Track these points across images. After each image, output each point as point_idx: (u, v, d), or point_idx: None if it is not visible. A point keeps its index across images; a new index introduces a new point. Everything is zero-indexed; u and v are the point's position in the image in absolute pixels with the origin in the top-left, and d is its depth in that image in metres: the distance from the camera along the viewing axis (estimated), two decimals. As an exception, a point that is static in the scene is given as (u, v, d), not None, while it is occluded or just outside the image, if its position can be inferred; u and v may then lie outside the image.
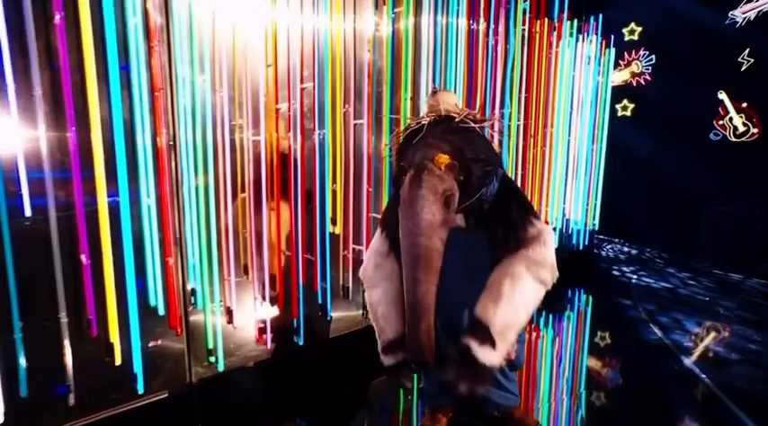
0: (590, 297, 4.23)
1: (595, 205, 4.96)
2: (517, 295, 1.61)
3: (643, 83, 6.14)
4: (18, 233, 1.82)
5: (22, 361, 1.91)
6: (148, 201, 2.13)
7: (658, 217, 5.86)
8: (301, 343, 2.74)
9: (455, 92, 3.25)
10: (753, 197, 5.12)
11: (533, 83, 4.05)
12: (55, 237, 1.91)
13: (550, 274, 1.68)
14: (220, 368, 2.47)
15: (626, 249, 5.76)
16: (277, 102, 2.50)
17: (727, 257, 5.05)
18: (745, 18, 5.34)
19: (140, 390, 2.21)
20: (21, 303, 1.86)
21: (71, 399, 2.04)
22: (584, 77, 4.56)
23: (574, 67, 4.41)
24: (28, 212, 1.84)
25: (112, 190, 2.02)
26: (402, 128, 1.84)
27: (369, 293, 1.87)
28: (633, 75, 6.16)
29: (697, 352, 2.99)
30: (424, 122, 1.70)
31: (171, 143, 2.16)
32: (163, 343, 2.28)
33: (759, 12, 5.33)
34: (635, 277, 4.60)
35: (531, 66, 4.00)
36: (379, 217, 2.31)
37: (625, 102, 6.12)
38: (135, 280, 2.11)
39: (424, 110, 1.84)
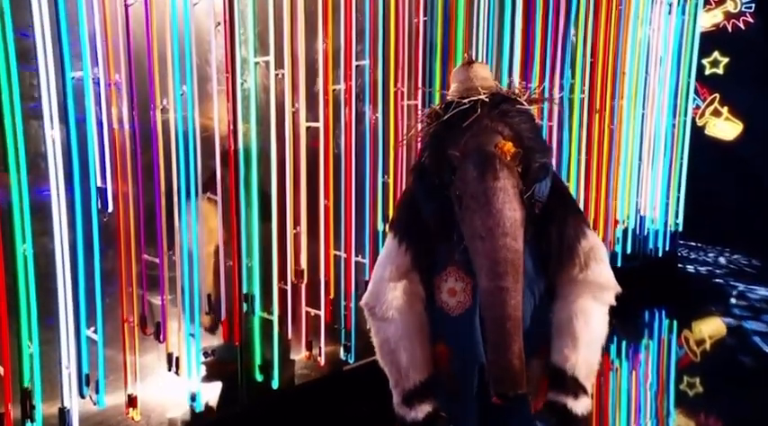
0: (674, 322, 4.05)
1: (678, 198, 4.61)
2: (592, 333, 1.70)
3: (742, 27, 5.38)
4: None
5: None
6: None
7: (758, 215, 5.36)
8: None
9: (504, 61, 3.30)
10: None
11: (600, 43, 3.81)
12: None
13: (613, 294, 1.75)
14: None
15: (722, 259, 5.40)
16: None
17: None
18: None
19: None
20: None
21: None
22: (665, 29, 4.25)
23: (650, 19, 4.12)
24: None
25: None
26: (436, 106, 1.76)
27: (380, 327, 1.76)
28: (728, 15, 5.54)
29: None
30: (473, 99, 1.66)
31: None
32: None
33: None
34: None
35: (598, 23, 3.80)
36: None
37: (716, 55, 5.50)
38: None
39: (452, 85, 1.78)
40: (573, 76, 3.68)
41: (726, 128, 5.58)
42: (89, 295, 2.21)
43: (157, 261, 2.37)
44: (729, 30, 5.52)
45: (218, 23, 2.45)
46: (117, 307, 2.32)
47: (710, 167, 5.02)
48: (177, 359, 2.45)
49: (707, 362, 3.56)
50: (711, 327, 4.02)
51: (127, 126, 2.29)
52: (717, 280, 4.84)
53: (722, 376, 3.31)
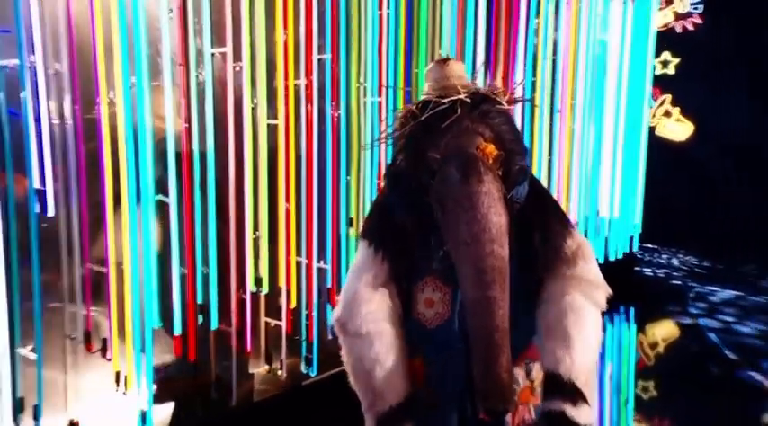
0: (634, 324, 4.14)
1: (634, 199, 4.69)
2: (585, 332, 1.65)
3: (691, 27, 5.56)
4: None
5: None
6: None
7: (712, 217, 5.51)
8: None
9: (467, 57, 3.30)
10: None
11: (560, 39, 3.86)
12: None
13: (604, 294, 1.71)
14: None
15: (675, 260, 5.56)
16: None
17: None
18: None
19: None
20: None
21: None
22: (623, 22, 4.31)
23: (607, 18, 4.21)
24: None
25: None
26: (411, 106, 1.72)
27: (354, 344, 1.67)
28: (677, 16, 5.69)
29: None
30: (452, 99, 1.63)
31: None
32: None
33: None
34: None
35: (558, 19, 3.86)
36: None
37: (666, 55, 5.58)
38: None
39: (426, 84, 1.75)
40: (534, 74, 3.71)
41: (677, 129, 5.79)
42: (25, 309, 2.05)
43: (104, 270, 2.22)
44: (679, 30, 5.72)
45: (171, 10, 2.31)
46: (58, 323, 2.17)
47: (662, 168, 5.18)
48: (126, 377, 2.30)
49: (670, 363, 3.68)
50: (669, 329, 4.16)
51: (70, 121, 2.13)
52: (674, 282, 5.01)
53: (683, 376, 3.42)
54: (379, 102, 2.86)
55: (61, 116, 2.13)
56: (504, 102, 1.66)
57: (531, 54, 3.63)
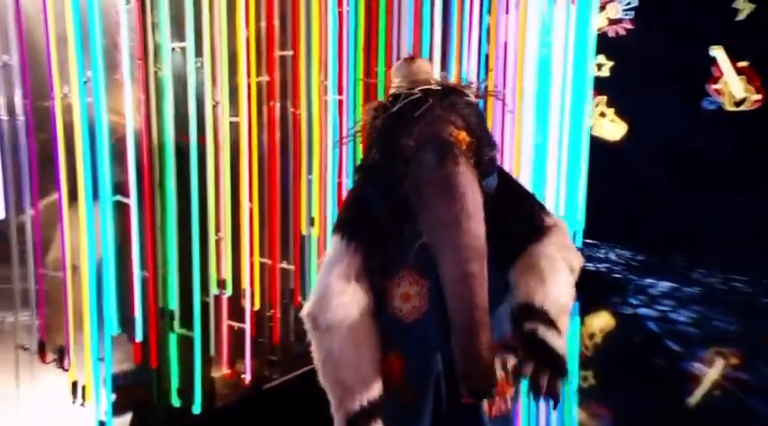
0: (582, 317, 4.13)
1: (576, 197, 4.84)
2: (558, 276, 1.66)
3: (623, 32, 5.77)
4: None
5: None
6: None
7: (644, 213, 5.77)
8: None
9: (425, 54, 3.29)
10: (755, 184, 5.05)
11: (510, 41, 3.94)
12: None
13: (577, 261, 1.74)
14: None
15: (613, 255, 5.76)
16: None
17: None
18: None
19: None
20: None
21: None
22: (566, 25, 4.44)
23: (552, 20, 4.31)
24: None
25: None
26: (382, 100, 1.75)
27: (323, 339, 1.63)
28: (610, 21, 5.87)
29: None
30: (424, 88, 1.65)
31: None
32: None
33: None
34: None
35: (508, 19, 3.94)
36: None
37: (600, 58, 5.76)
38: None
39: (394, 80, 1.75)
40: (486, 74, 3.76)
41: (611, 128, 6.03)
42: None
43: (60, 275, 2.08)
44: (612, 35, 5.91)
45: (129, 1, 2.20)
46: (9, 332, 2.03)
47: (598, 167, 5.39)
48: (84, 387, 2.17)
49: (614, 352, 3.83)
50: (608, 320, 4.33)
51: (21, 116, 2.00)
52: (615, 275, 5.21)
53: (625, 365, 3.56)
54: (340, 100, 2.83)
55: (11, 111, 1.99)
56: (471, 95, 1.67)
57: (484, 54, 3.69)
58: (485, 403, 1.68)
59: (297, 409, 2.70)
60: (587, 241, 5.61)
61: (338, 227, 1.70)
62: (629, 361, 3.57)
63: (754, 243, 5.26)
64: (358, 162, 1.99)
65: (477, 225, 1.49)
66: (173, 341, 2.40)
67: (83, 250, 2.12)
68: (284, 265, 2.74)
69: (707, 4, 5.45)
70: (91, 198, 2.12)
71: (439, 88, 1.64)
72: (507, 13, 3.82)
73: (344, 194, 2.83)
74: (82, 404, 2.18)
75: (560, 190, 4.62)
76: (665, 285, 4.84)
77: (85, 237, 2.12)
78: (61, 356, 2.12)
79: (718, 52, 5.55)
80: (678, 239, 5.46)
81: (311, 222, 2.78)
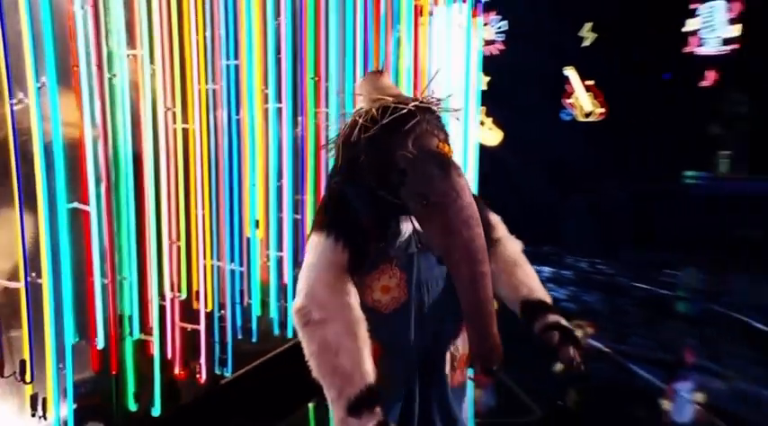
0: None
1: None
2: (530, 267, 1.93)
3: (497, 52, 6.39)
4: None
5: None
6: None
7: (519, 209, 6.28)
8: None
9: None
10: (604, 182, 5.80)
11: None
12: None
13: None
14: None
15: None
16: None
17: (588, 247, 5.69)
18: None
19: None
20: None
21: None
22: (467, 42, 4.73)
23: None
24: None
25: None
26: (372, 110, 1.78)
27: (316, 331, 1.67)
28: (486, 42, 6.42)
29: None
30: (416, 104, 1.76)
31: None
32: None
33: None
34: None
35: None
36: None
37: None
38: None
39: (363, 92, 1.85)
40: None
41: (490, 136, 6.62)
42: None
43: (19, 285, 2.00)
44: (486, 53, 6.52)
45: (83, 7, 2.17)
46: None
47: (482, 170, 5.92)
48: (44, 400, 2.09)
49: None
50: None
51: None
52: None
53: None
54: (280, 109, 2.94)
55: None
56: (438, 111, 1.79)
57: (394, 66, 3.87)
58: (448, 376, 1.86)
59: (251, 402, 2.79)
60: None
61: (323, 226, 1.75)
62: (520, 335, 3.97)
63: (600, 231, 6.06)
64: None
65: (481, 230, 1.62)
66: (129, 345, 2.38)
67: (43, 258, 2.06)
68: (231, 266, 2.80)
69: (562, 30, 6.23)
70: (47, 205, 2.06)
71: (424, 105, 1.75)
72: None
73: (285, 198, 2.95)
74: (42, 417, 2.10)
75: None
76: (547, 270, 5.46)
77: (44, 246, 2.06)
78: (23, 369, 2.03)
79: (570, 72, 6.37)
80: (548, 232, 6.15)
81: (256, 225, 2.86)
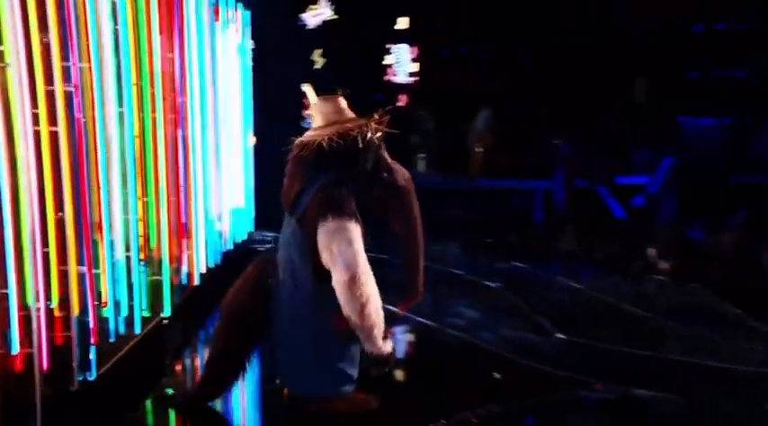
0: None
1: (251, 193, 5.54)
2: None
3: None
4: None
5: None
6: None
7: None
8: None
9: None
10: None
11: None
12: None
13: None
14: None
15: None
16: None
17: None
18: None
19: None
20: None
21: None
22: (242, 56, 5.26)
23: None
24: None
25: None
26: (365, 131, 2.32)
27: (365, 284, 2.17)
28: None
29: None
30: (367, 132, 2.34)
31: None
32: None
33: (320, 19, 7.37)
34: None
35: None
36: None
37: None
38: None
39: (326, 115, 2.41)
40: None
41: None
42: None
43: None
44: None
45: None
46: None
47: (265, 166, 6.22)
48: None
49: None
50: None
51: None
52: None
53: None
54: (121, 112, 2.91)
55: None
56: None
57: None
58: None
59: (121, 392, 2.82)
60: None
61: (344, 212, 2.23)
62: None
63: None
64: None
65: None
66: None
67: None
68: (83, 269, 2.66)
69: (301, 53, 6.96)
70: None
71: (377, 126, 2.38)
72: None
73: (130, 200, 2.94)
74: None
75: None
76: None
77: None
78: None
79: (307, 88, 7.07)
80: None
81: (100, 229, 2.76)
